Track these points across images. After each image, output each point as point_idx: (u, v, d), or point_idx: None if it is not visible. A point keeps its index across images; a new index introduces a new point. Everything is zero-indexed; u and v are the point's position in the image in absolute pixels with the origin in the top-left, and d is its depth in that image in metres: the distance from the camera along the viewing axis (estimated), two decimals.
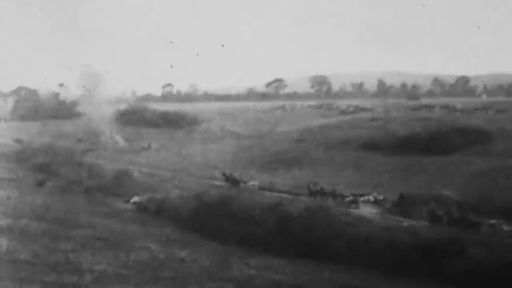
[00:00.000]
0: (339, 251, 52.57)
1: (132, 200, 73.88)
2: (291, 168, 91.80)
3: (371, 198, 68.28)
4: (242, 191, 73.52)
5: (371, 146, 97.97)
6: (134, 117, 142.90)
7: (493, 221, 56.94)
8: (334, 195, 70.94)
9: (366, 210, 64.14)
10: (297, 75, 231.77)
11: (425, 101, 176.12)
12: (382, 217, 61.42)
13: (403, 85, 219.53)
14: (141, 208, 71.15)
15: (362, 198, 68.54)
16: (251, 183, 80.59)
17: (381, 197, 68.16)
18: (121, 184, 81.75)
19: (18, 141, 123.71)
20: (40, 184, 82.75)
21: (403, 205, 63.97)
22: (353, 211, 62.93)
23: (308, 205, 62.31)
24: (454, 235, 52.15)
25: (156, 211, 68.97)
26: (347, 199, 69.21)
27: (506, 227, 56.18)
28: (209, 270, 44.44)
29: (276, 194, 72.15)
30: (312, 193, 72.78)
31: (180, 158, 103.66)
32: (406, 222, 58.54)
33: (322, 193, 72.17)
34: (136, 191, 77.26)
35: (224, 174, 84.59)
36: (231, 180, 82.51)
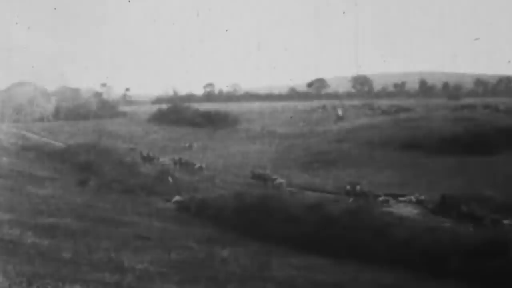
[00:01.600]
0: (380, 251, 52.30)
1: (173, 200, 74.05)
2: (332, 168, 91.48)
3: (413, 198, 67.77)
4: (284, 191, 73.48)
5: (413, 146, 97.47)
6: (176, 117, 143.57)
7: (495, 216, 57.13)
8: (365, 195, 70.87)
9: (408, 211, 63.65)
10: (338, 75, 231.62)
11: (467, 101, 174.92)
12: (423, 217, 60.91)
13: (445, 85, 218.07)
14: (182, 207, 71.31)
15: (403, 199, 68.11)
16: (278, 181, 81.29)
17: (422, 197, 67.68)
18: (163, 183, 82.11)
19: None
20: (82, 183, 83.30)
21: (445, 205, 63.40)
22: (395, 211, 62.40)
23: (349, 205, 62.14)
24: (497, 236, 51.60)
25: (197, 211, 69.09)
26: (380, 199, 69.08)
27: (506, 221, 56.97)
28: (250, 270, 44.43)
29: (317, 194, 71.86)
30: (348, 194, 72.83)
31: (221, 158, 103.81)
32: (448, 223, 58.00)
33: (356, 193, 72.11)
34: (178, 190, 77.47)
35: (252, 172, 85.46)
36: (258, 178, 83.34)
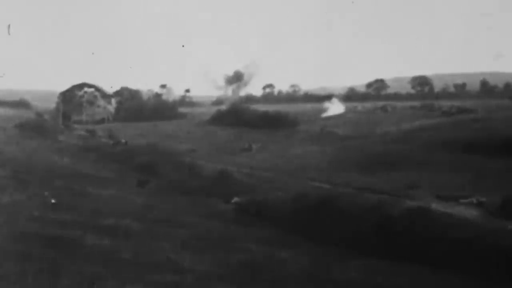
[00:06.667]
0: (440, 253, 51.64)
1: (232, 201, 74.08)
2: (392, 170, 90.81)
3: (474, 200, 67.02)
4: (343, 193, 73.03)
5: (474, 147, 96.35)
6: (235, 118, 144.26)
7: None
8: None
9: (469, 213, 62.84)
10: (398, 76, 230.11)
11: None
12: (485, 220, 60.06)
13: (507, 86, 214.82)
14: (241, 208, 71.23)
15: (464, 201, 67.35)
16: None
17: (483, 199, 66.87)
18: (222, 184, 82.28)
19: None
20: (142, 184, 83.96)
21: (507, 208, 62.46)
22: (455, 213, 61.55)
23: (409, 207, 61.43)
24: None
25: (256, 212, 68.88)
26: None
27: None
28: (309, 272, 44.20)
29: (376, 195, 71.23)
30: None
31: (281, 159, 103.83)
32: (510, 225, 57.03)
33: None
34: (237, 191, 77.46)
35: None
36: None
